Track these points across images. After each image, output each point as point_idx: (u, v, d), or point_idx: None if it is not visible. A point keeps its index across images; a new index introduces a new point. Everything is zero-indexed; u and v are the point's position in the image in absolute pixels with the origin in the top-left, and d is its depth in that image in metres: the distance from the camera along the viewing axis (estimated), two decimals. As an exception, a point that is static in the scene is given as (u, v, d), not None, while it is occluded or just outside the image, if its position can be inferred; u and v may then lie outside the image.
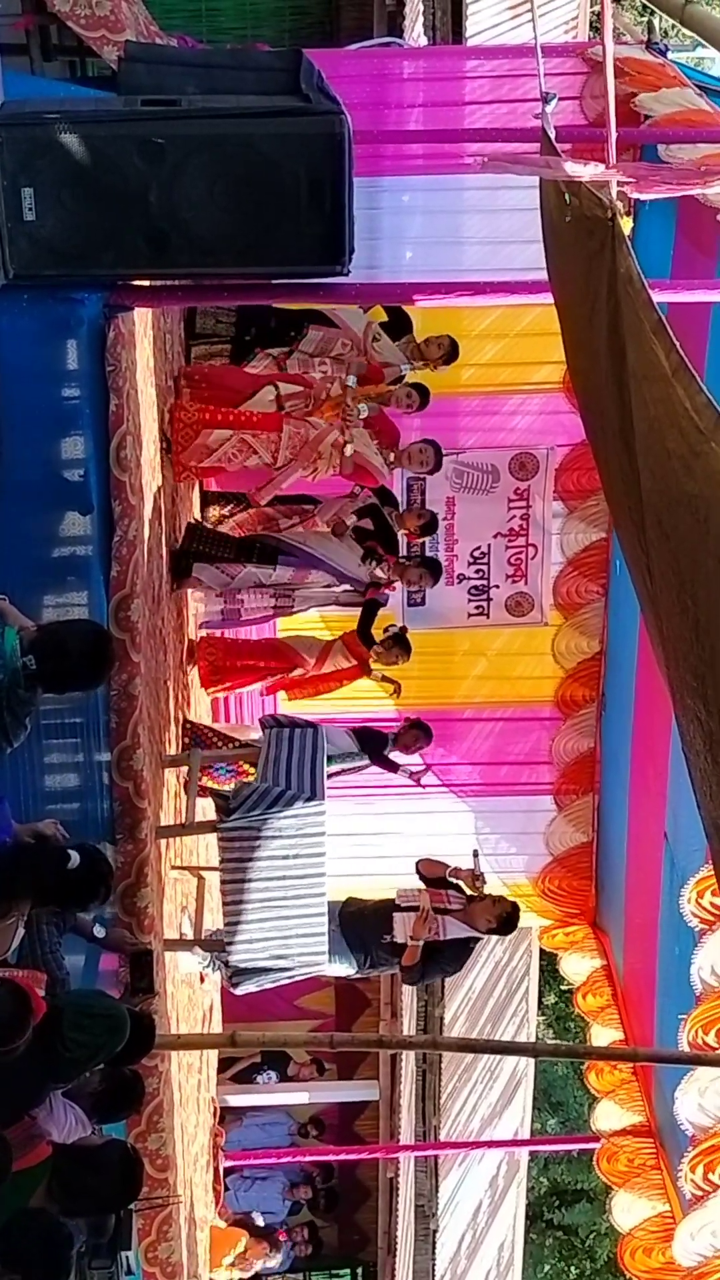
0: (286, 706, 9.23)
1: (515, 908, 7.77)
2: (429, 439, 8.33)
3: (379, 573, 8.34)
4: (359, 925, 7.71)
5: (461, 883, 7.79)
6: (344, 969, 7.80)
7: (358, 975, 8.03)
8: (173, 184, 5.30)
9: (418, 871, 8.05)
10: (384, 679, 8.69)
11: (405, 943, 7.55)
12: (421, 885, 7.90)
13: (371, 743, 8.36)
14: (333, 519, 8.42)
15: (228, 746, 8.26)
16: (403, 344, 8.25)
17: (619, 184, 3.50)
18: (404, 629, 8.67)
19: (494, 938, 8.71)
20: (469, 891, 7.75)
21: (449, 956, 7.77)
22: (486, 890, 7.86)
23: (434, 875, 7.92)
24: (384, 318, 8.26)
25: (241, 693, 9.02)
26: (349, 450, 7.89)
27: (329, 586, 8.42)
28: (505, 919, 7.66)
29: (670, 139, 7.18)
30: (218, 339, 8.41)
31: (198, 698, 8.73)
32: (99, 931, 5.66)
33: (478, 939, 7.84)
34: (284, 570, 8.26)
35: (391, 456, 8.21)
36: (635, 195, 3.50)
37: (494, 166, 3.82)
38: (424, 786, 8.97)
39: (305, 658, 8.63)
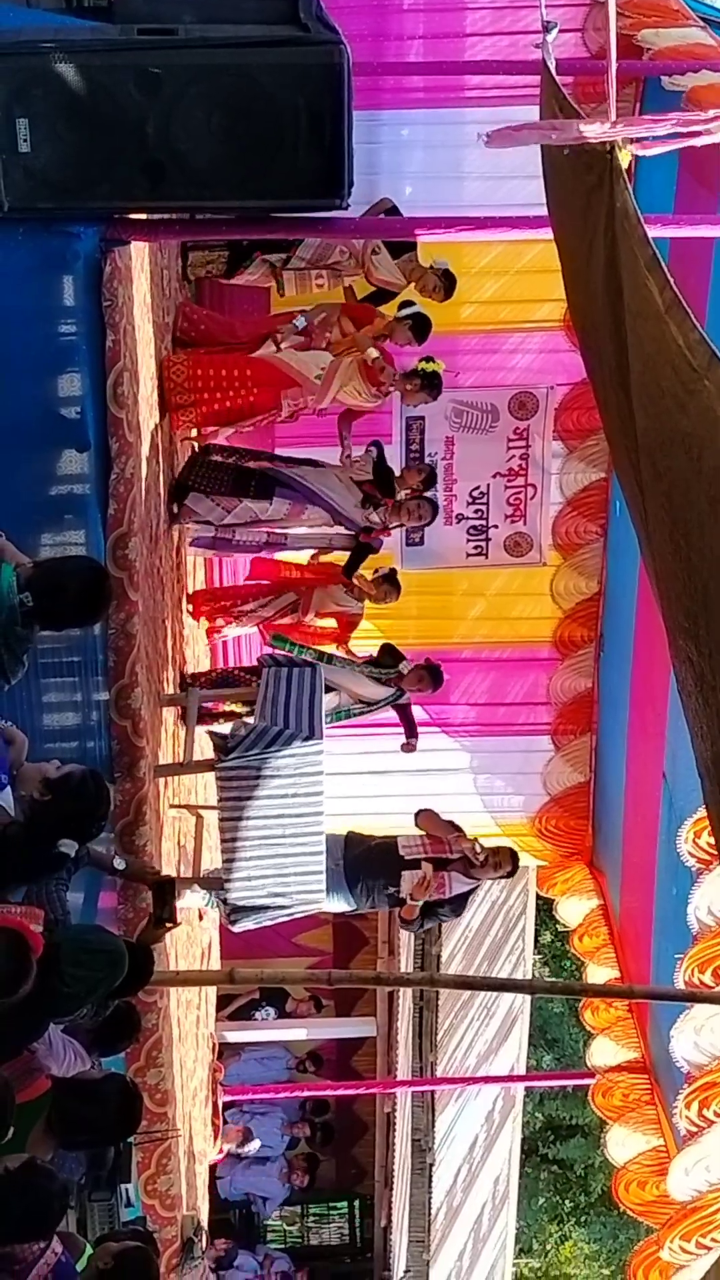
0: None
1: (515, 856, 7.93)
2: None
3: (374, 517, 8.30)
4: (364, 869, 7.78)
5: (464, 852, 7.84)
6: (343, 905, 7.87)
7: (355, 912, 8.11)
8: (170, 115, 5.23)
9: (417, 822, 8.09)
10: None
11: (407, 899, 7.66)
12: (422, 835, 7.96)
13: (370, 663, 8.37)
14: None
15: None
16: (403, 261, 8.13)
17: (624, 141, 3.44)
18: (393, 570, 8.62)
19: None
20: (470, 859, 7.80)
21: (449, 909, 7.88)
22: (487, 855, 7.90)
23: (433, 831, 7.97)
24: None
25: (240, 636, 8.98)
26: (371, 355, 7.84)
27: (324, 526, 8.37)
28: (509, 873, 7.94)
29: (672, 70, 7.09)
30: (214, 247, 8.31)
31: (196, 636, 8.72)
32: (119, 863, 5.68)
33: (476, 887, 7.95)
34: (280, 504, 8.18)
35: (390, 389, 8.15)
36: (638, 153, 3.43)
37: (499, 140, 3.75)
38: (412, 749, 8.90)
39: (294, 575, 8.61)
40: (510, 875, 8.04)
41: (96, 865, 5.46)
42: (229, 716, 8.17)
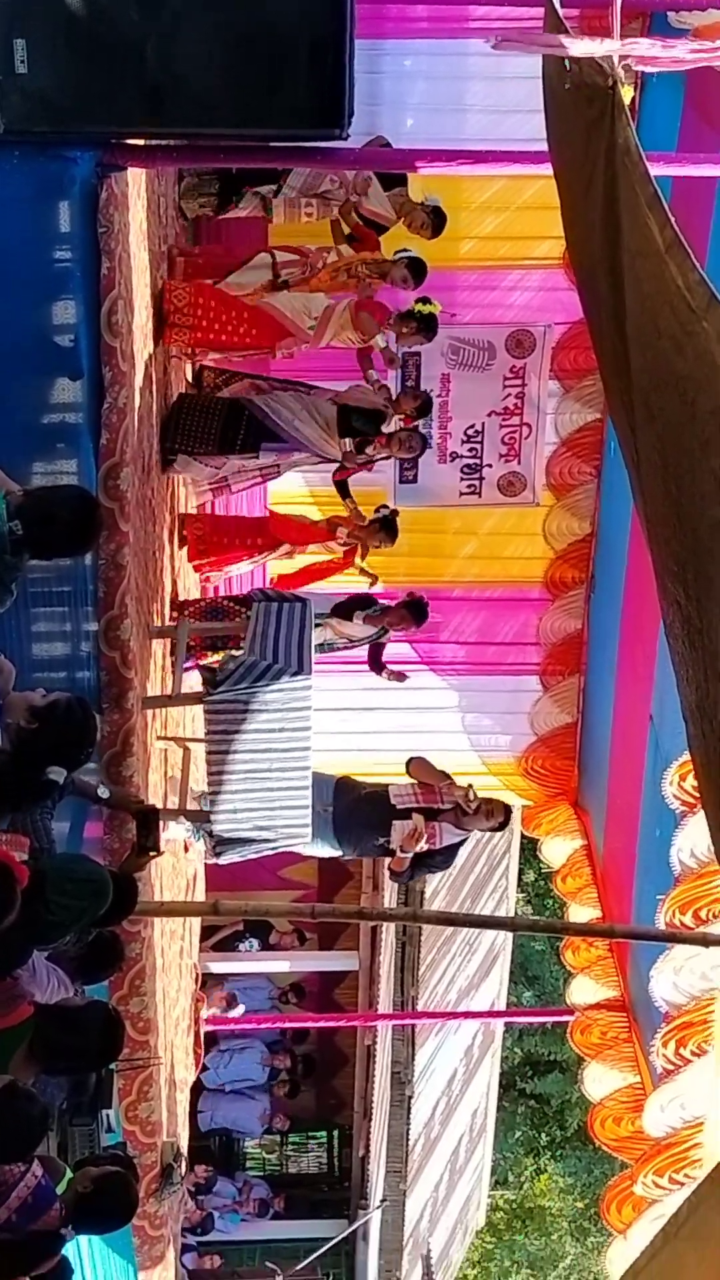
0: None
1: (507, 811, 7.96)
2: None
3: (349, 446, 8.25)
4: (354, 818, 7.75)
5: (456, 800, 7.83)
6: (329, 851, 7.89)
7: (345, 858, 8.13)
8: (170, 39, 5.16)
9: (408, 769, 8.09)
10: (363, 571, 8.62)
11: (397, 850, 7.66)
12: (413, 783, 7.95)
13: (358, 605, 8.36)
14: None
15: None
16: (393, 195, 8.03)
17: (620, 57, 3.39)
18: (394, 513, 8.56)
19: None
20: (463, 806, 7.79)
21: (439, 860, 7.89)
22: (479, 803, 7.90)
23: (424, 779, 7.95)
24: None
25: (230, 573, 8.96)
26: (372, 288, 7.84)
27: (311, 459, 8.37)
28: (498, 826, 7.93)
29: (679, 4, 6.99)
30: (205, 187, 8.24)
31: (186, 570, 8.71)
32: (103, 792, 5.68)
33: (465, 839, 7.97)
34: (267, 456, 8.19)
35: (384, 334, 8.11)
36: (640, 68, 3.39)
37: (506, 45, 3.69)
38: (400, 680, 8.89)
39: (294, 530, 8.59)
40: (502, 828, 8.03)
41: (80, 794, 5.47)
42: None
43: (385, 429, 8.26)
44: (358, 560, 8.56)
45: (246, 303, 7.92)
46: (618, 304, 3.56)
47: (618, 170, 3.36)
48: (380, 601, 8.45)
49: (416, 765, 8.10)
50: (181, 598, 8.37)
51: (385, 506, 8.65)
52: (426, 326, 8.11)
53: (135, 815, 6.11)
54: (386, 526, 8.43)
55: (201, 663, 8.00)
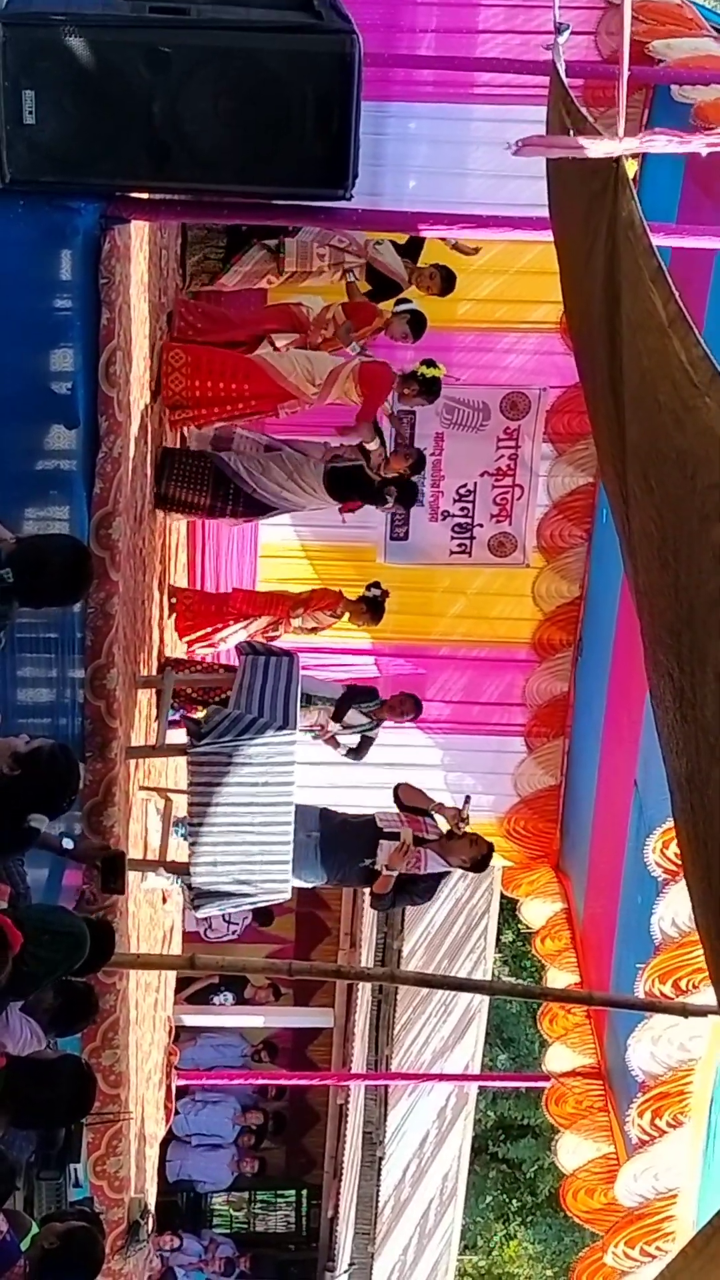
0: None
1: (490, 849, 7.85)
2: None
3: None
4: (338, 843, 7.68)
5: (444, 819, 7.80)
6: (315, 881, 7.83)
7: (323, 886, 8.05)
8: (177, 95, 5.20)
9: (396, 797, 8.02)
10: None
11: (382, 872, 7.59)
12: (398, 811, 7.90)
13: (358, 699, 8.34)
14: (326, 454, 8.37)
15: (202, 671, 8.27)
16: (404, 262, 8.20)
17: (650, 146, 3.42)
18: (385, 594, 8.62)
19: (456, 873, 8.75)
20: (449, 828, 7.77)
21: (421, 889, 7.82)
22: (467, 830, 7.86)
23: (413, 803, 7.91)
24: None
25: (219, 644, 8.92)
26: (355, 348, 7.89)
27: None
28: (480, 860, 7.77)
29: (684, 79, 7.06)
30: (212, 240, 8.31)
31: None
32: (67, 844, 5.64)
33: (449, 873, 7.91)
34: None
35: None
36: (644, 149, 3.42)
37: (529, 150, 3.74)
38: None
39: (281, 606, 8.60)
40: (483, 864, 7.91)
41: (44, 846, 5.42)
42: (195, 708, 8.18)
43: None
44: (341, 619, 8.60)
45: (245, 358, 7.95)
46: (615, 375, 3.58)
47: (619, 243, 3.38)
48: (380, 697, 8.45)
49: (405, 790, 8.06)
50: (168, 654, 8.36)
51: (376, 585, 8.68)
52: (429, 390, 8.17)
53: (101, 863, 6.09)
54: (373, 608, 8.49)
55: (190, 715, 7.99)
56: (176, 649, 8.74)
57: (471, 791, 10.29)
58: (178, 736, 7.51)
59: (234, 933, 11.96)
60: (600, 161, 3.60)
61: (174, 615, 8.48)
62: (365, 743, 8.54)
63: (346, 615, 8.55)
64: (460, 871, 8.11)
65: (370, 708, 8.36)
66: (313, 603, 8.49)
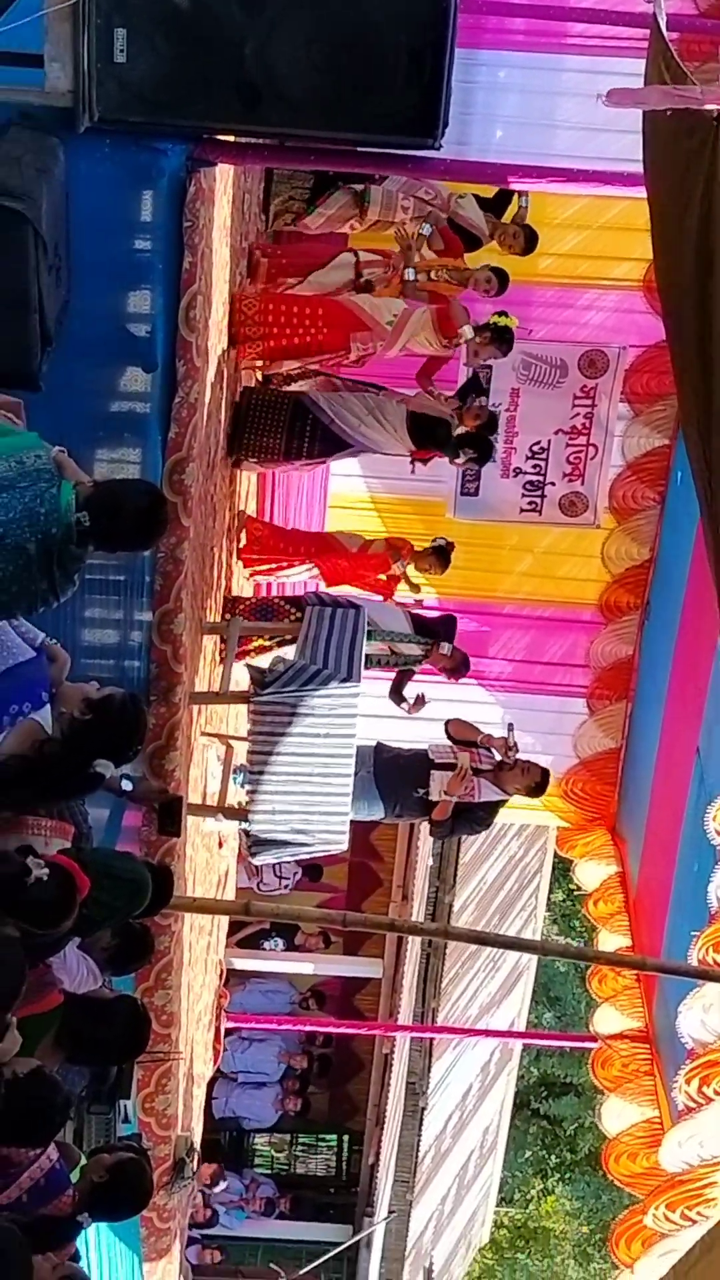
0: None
1: (545, 774, 7.95)
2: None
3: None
4: (392, 775, 7.76)
5: (494, 749, 7.82)
6: (373, 814, 7.88)
7: (382, 820, 8.09)
8: (270, 38, 5.16)
9: (447, 731, 8.07)
10: (409, 582, 8.59)
11: (438, 800, 7.62)
12: (451, 744, 7.93)
13: (430, 632, 8.31)
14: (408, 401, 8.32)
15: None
16: (485, 217, 8.10)
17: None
18: (450, 545, 8.59)
19: (510, 831, 8.76)
20: (500, 758, 7.79)
21: (479, 816, 7.88)
22: (518, 759, 7.90)
23: (464, 737, 7.95)
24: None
25: (280, 578, 8.93)
26: (409, 274, 7.79)
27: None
28: (536, 785, 7.89)
29: (782, 36, 6.92)
30: (298, 182, 8.27)
31: (242, 566, 8.71)
32: (126, 785, 5.67)
33: (506, 800, 7.93)
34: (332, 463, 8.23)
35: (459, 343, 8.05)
36: None
37: (620, 98, 3.66)
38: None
39: (349, 549, 8.56)
40: (539, 789, 7.96)
41: (105, 788, 5.45)
42: (259, 650, 8.16)
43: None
44: (409, 571, 8.55)
45: (322, 297, 7.90)
46: (703, 336, 3.53)
47: (715, 202, 3.32)
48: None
49: (455, 724, 8.14)
50: (235, 593, 8.37)
51: (442, 539, 8.66)
52: (501, 339, 8.07)
53: (159, 807, 6.13)
54: (440, 554, 8.48)
55: (250, 644, 8.01)
56: (244, 588, 8.75)
57: (531, 751, 10.33)
58: (242, 681, 7.54)
59: (286, 887, 12.01)
60: (698, 119, 3.53)
61: (241, 545, 8.49)
62: (404, 676, 8.45)
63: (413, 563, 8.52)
64: (517, 825, 8.13)
65: (424, 641, 8.32)
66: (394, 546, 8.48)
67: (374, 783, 7.67)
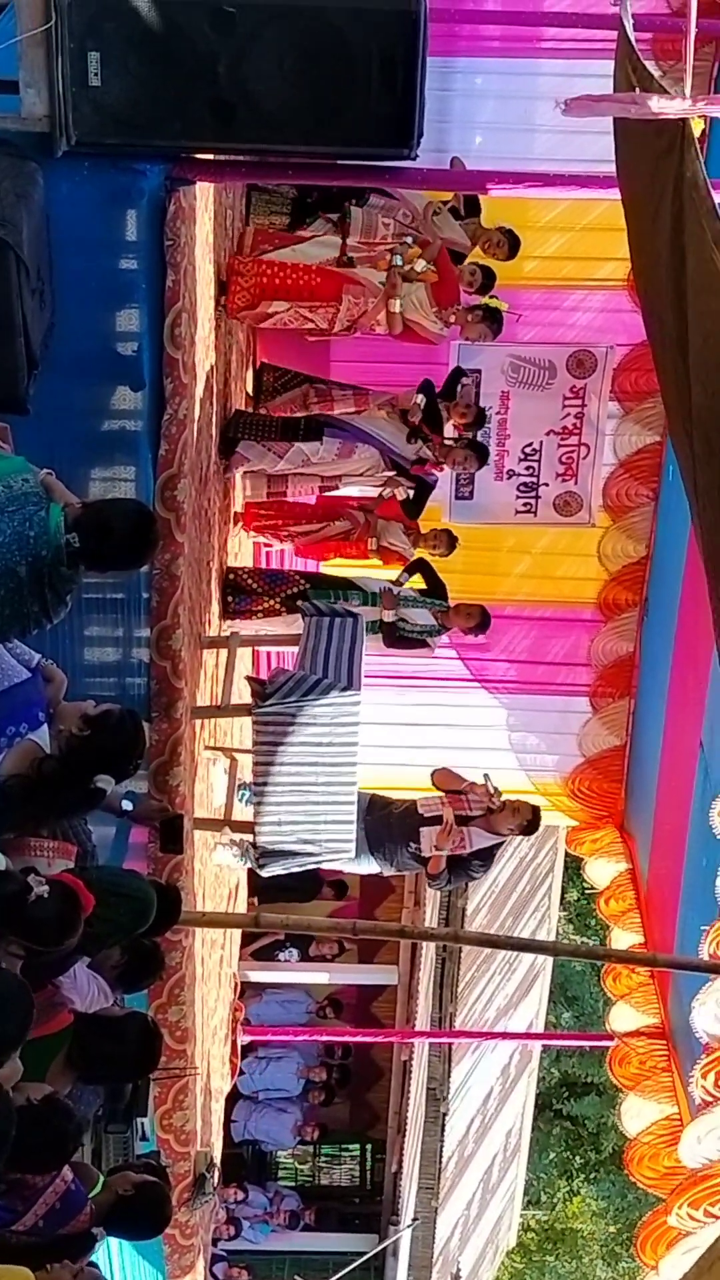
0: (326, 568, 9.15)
1: (536, 811, 7.95)
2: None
3: (425, 451, 8.27)
4: (384, 831, 7.82)
5: (481, 799, 7.86)
6: (369, 867, 7.92)
7: (384, 875, 8.15)
8: (242, 55, 5.20)
9: (433, 782, 8.15)
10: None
11: (430, 855, 7.66)
12: (439, 795, 7.97)
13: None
14: (386, 403, 8.37)
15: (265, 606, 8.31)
16: (465, 224, 8.12)
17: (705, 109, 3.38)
18: (451, 533, 8.72)
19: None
20: (487, 804, 7.83)
21: (475, 864, 7.91)
22: (505, 799, 7.94)
23: (448, 787, 8.01)
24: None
25: (284, 549, 8.96)
26: (395, 306, 7.77)
27: (374, 469, 8.34)
28: (527, 824, 7.90)
29: (755, 31, 6.96)
30: (276, 206, 8.29)
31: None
32: (126, 805, 5.69)
33: (502, 842, 7.96)
34: (330, 444, 8.21)
35: (452, 318, 8.05)
36: (712, 112, 3.37)
37: (578, 107, 3.69)
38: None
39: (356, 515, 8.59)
40: (530, 829, 8.01)
41: (104, 808, 5.47)
42: (268, 612, 8.19)
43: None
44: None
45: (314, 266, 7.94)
46: (681, 336, 3.54)
47: (685, 203, 3.35)
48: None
49: (440, 774, 8.19)
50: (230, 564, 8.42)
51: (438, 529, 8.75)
52: (492, 318, 8.11)
53: (161, 826, 6.15)
54: (448, 533, 8.56)
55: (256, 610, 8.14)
56: (241, 555, 8.76)
57: (535, 751, 10.38)
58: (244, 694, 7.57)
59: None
60: (666, 120, 3.55)
61: (241, 524, 8.55)
62: (418, 644, 8.52)
63: (423, 545, 8.59)
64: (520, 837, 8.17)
65: (439, 609, 8.34)
66: (381, 510, 8.51)
67: (366, 840, 7.69)
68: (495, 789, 7.92)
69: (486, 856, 7.96)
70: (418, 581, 8.57)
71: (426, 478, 8.46)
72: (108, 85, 5.19)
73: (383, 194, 7.93)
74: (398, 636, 8.38)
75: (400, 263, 7.74)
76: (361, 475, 8.39)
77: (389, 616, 8.23)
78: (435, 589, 8.50)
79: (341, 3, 5.16)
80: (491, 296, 8.17)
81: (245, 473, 8.28)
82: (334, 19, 5.16)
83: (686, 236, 3.26)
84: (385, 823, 7.83)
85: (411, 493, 8.42)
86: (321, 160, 5.73)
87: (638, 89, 3.79)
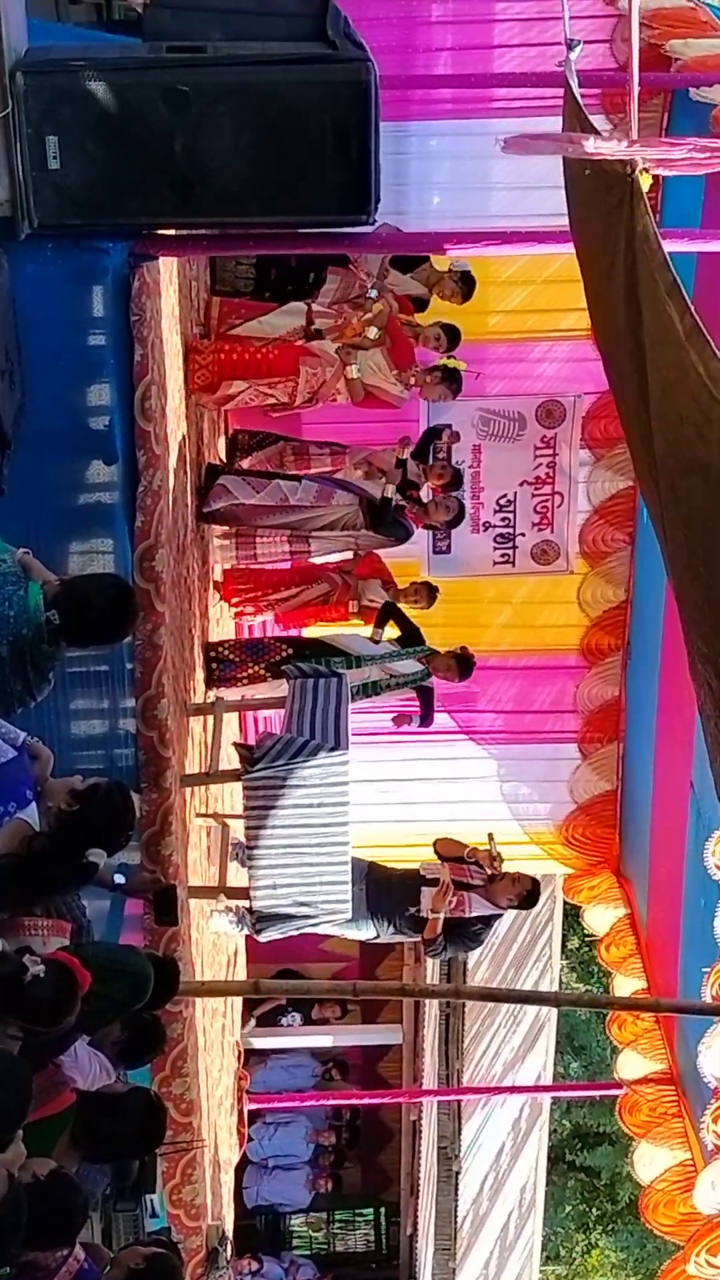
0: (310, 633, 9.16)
1: (535, 884, 7.91)
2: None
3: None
4: (384, 894, 7.77)
5: (480, 863, 7.85)
6: (367, 934, 7.88)
7: (381, 941, 8.10)
8: (198, 132, 5.27)
9: (435, 850, 8.12)
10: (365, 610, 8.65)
11: (429, 917, 7.65)
12: (440, 863, 7.96)
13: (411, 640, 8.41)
14: (362, 461, 8.42)
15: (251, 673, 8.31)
16: (418, 272, 8.24)
17: (643, 162, 3.44)
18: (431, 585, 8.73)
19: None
20: (489, 871, 7.81)
21: (472, 932, 7.86)
22: (505, 865, 7.96)
23: (451, 854, 7.98)
24: None
25: (266, 618, 8.99)
26: (353, 372, 7.84)
27: (347, 529, 8.37)
28: (526, 896, 7.85)
29: (700, 81, 7.08)
30: (242, 269, 8.39)
31: (222, 633, 8.74)
32: (119, 879, 5.67)
33: (499, 915, 7.94)
34: (309, 485, 8.26)
35: (411, 379, 8.12)
36: (660, 172, 3.44)
37: (516, 146, 3.77)
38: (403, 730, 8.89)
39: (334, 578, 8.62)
40: (530, 901, 7.96)
41: (97, 883, 5.46)
42: (253, 678, 8.20)
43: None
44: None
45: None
46: (642, 386, 3.59)
47: (637, 256, 3.40)
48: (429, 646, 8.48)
49: (442, 842, 8.19)
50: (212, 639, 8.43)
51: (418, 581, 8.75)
52: (451, 378, 8.16)
53: (154, 897, 6.13)
54: (428, 587, 8.59)
55: (245, 671, 8.17)
56: (223, 620, 8.78)
57: (527, 800, 10.37)
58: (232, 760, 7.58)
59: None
60: (616, 176, 3.62)
61: (221, 593, 8.57)
62: (426, 695, 8.51)
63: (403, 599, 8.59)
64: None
65: (418, 652, 8.36)
66: (359, 570, 8.52)
67: (365, 903, 7.66)
68: (498, 853, 7.90)
69: (482, 926, 7.91)
70: (393, 628, 8.58)
71: (407, 524, 8.49)
72: (67, 168, 5.25)
73: (341, 263, 8.02)
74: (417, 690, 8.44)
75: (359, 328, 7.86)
76: (334, 532, 8.41)
77: (377, 675, 8.24)
78: (410, 634, 8.49)
79: (293, 78, 5.24)
80: (449, 356, 8.23)
81: (217, 543, 8.33)
82: (286, 93, 5.24)
83: (641, 289, 3.32)
84: (386, 885, 7.79)
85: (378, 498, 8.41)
86: (282, 230, 5.80)
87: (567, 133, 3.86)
